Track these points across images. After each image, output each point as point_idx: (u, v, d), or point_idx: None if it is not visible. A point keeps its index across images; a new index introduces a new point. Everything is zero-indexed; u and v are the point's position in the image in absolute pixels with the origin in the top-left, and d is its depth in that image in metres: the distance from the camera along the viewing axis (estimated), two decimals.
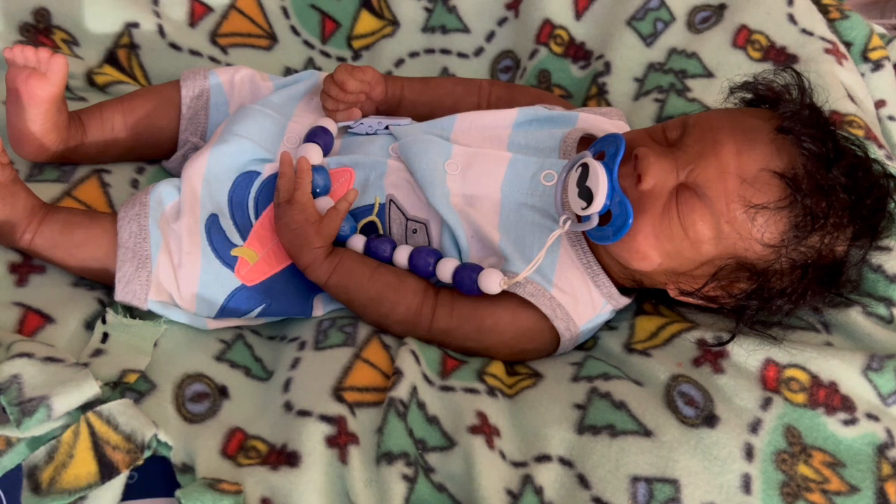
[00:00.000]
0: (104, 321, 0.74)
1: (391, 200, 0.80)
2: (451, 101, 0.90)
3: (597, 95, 1.01)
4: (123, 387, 0.69)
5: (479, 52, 1.10)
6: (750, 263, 0.71)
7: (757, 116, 0.74)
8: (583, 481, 0.65)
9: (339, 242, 0.79)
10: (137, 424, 0.66)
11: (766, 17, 0.96)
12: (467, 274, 0.76)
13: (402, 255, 0.78)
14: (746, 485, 0.65)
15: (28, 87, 0.75)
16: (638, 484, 0.65)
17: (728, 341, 0.73)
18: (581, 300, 0.77)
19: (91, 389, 0.65)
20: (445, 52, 1.09)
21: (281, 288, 0.78)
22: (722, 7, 0.99)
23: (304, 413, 0.68)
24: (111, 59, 0.96)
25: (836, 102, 0.89)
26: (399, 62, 1.09)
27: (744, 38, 0.97)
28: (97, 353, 0.71)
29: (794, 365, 0.72)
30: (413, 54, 1.09)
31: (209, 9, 1.03)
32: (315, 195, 0.78)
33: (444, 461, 0.66)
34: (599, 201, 0.71)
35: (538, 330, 0.76)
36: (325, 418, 0.67)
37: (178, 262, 0.75)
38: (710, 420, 0.68)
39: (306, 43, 1.08)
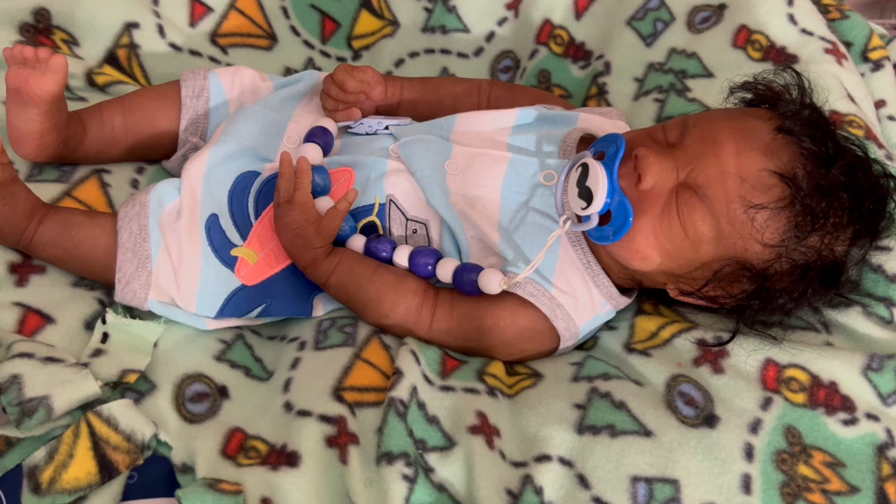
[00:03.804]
0: (104, 321, 0.74)
1: (391, 200, 0.80)
2: (450, 101, 0.90)
3: (597, 95, 1.01)
4: (123, 387, 0.69)
5: (479, 52, 1.10)
6: (750, 264, 0.71)
7: (757, 116, 0.73)
8: (583, 481, 0.65)
9: (339, 242, 0.79)
10: (137, 424, 0.66)
11: (766, 17, 0.96)
12: (467, 274, 0.76)
13: (402, 256, 0.78)
14: (746, 485, 0.65)
15: (28, 86, 0.75)
16: (638, 484, 0.65)
17: (728, 341, 0.73)
18: (581, 300, 0.77)
19: (91, 389, 0.65)
20: (445, 52, 1.09)
21: (281, 288, 0.78)
22: (722, 7, 0.99)
23: (304, 413, 0.68)
24: (111, 59, 0.96)
25: (836, 102, 0.89)
26: (399, 62, 1.09)
27: (744, 38, 0.97)
28: (97, 353, 0.71)
29: (794, 365, 0.72)
30: (413, 54, 1.09)
31: (209, 9, 1.03)
32: (315, 195, 0.78)
33: (444, 461, 0.66)
34: (599, 201, 0.71)
35: (538, 330, 0.76)
36: (325, 418, 0.67)
37: (177, 262, 0.75)
38: (710, 420, 0.68)
39: (306, 43, 1.08)
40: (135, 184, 0.86)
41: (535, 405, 0.71)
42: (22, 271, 0.75)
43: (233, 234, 0.78)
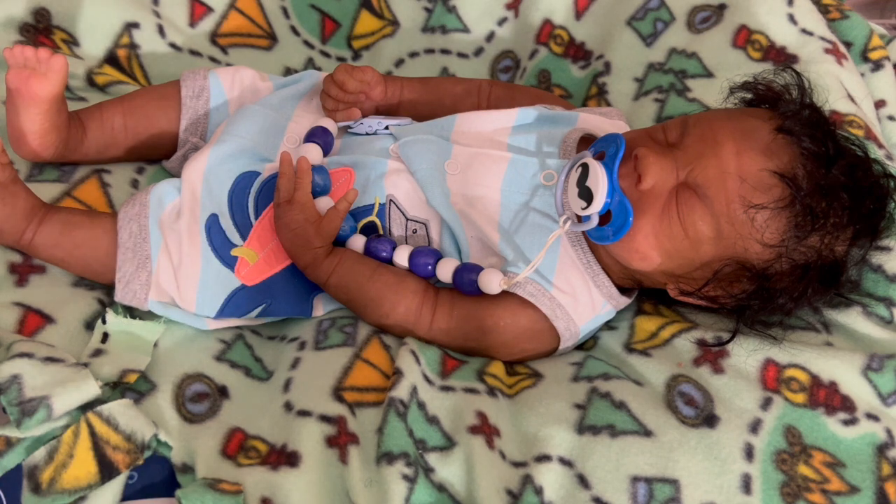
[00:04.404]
0: (104, 321, 0.74)
1: (391, 200, 0.80)
2: (450, 101, 0.90)
3: (597, 95, 1.01)
4: (123, 387, 0.69)
5: (479, 52, 1.10)
6: (750, 264, 0.71)
7: (757, 116, 0.74)
8: (583, 481, 0.65)
9: (339, 242, 0.79)
10: (137, 424, 0.66)
11: (766, 17, 0.96)
12: (467, 274, 0.76)
13: (402, 256, 0.78)
14: (746, 485, 0.65)
15: (28, 87, 0.75)
16: (638, 484, 0.65)
17: (728, 341, 0.73)
18: (581, 300, 0.77)
19: (91, 389, 0.65)
20: (445, 52, 1.09)
21: (281, 288, 0.78)
22: (722, 7, 0.99)
23: (304, 413, 0.68)
24: (111, 59, 0.96)
25: (836, 102, 0.89)
26: (399, 62, 1.09)
27: (744, 38, 0.97)
28: (97, 353, 0.71)
29: (794, 365, 0.72)
30: (413, 54, 1.09)
31: (209, 9, 1.03)
32: (315, 195, 0.78)
33: (444, 461, 0.66)
34: (599, 201, 0.71)
35: (538, 330, 0.76)
36: (325, 418, 0.67)
37: (177, 262, 0.75)
38: (710, 420, 0.68)
39: (306, 43, 1.08)
40: (135, 184, 0.86)
41: (535, 405, 0.71)
42: (22, 271, 0.75)
43: (233, 234, 0.78)
